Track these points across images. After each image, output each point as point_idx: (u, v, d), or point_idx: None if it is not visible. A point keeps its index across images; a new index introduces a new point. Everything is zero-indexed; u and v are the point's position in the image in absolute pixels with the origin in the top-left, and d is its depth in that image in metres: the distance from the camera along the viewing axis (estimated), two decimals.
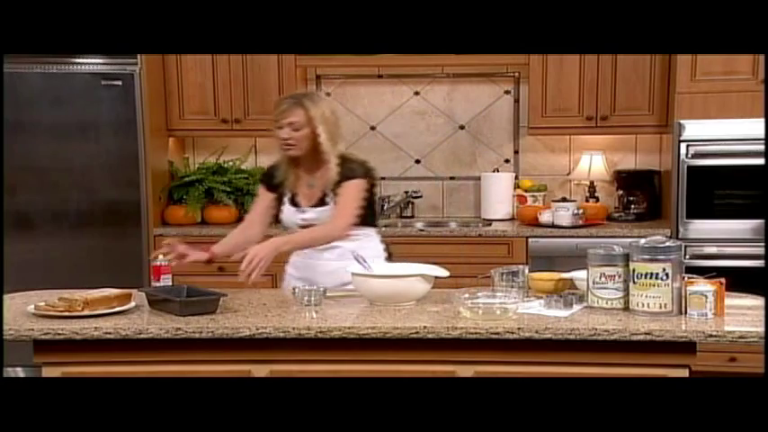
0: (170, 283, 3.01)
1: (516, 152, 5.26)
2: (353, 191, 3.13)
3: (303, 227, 3.19)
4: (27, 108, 4.72)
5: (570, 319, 2.60)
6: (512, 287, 2.87)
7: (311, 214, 3.17)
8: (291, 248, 3.12)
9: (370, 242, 3.24)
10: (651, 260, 2.61)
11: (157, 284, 2.99)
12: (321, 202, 3.16)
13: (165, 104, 5.02)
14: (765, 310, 2.55)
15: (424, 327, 2.55)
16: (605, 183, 5.14)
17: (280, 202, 3.24)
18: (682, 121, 4.52)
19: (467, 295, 2.70)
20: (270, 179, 3.28)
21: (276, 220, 3.30)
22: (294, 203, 3.21)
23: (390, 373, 2.50)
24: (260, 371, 2.62)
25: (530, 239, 4.66)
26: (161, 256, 3.04)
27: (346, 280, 3.03)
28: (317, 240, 3.12)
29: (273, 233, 3.27)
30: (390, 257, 3.23)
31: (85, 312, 2.68)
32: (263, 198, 3.30)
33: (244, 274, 2.85)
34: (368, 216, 3.20)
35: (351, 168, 3.14)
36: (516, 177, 5.19)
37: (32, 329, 2.60)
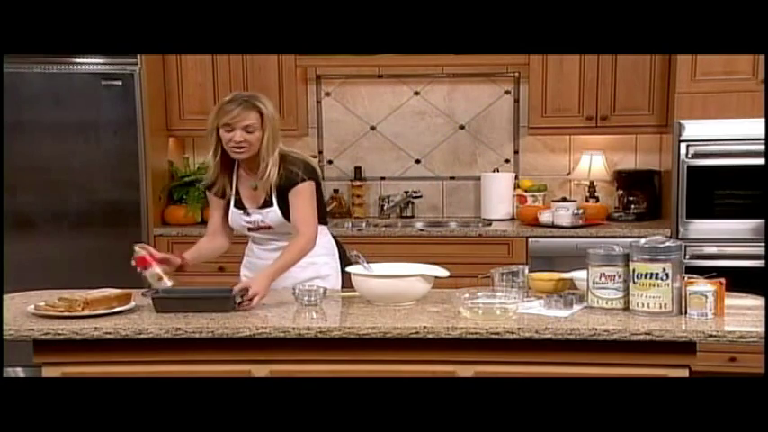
0: (157, 272, 2.96)
1: (516, 152, 5.26)
2: (305, 197, 3.10)
3: (250, 229, 3.20)
4: (27, 108, 4.72)
5: (570, 319, 2.60)
6: (512, 287, 2.87)
7: (257, 216, 3.16)
8: (280, 274, 3.04)
9: (320, 239, 3.21)
10: (651, 260, 2.61)
11: (145, 272, 2.96)
12: (266, 204, 3.14)
13: (165, 104, 5.02)
14: (765, 310, 2.55)
15: (424, 327, 2.55)
16: (605, 183, 5.14)
17: (226, 205, 3.22)
18: (682, 121, 4.52)
19: (467, 295, 2.70)
20: (212, 186, 3.23)
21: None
22: (239, 206, 3.19)
23: (390, 373, 2.50)
24: (260, 371, 2.62)
25: (530, 239, 4.66)
26: (136, 247, 2.99)
27: (300, 278, 3.07)
28: (295, 259, 3.06)
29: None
30: (345, 253, 3.18)
31: (85, 312, 2.68)
32: (216, 205, 3.25)
33: (249, 307, 2.81)
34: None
35: (294, 172, 3.09)
36: (516, 177, 5.19)
37: (32, 329, 2.60)
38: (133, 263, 2.98)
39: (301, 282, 3.04)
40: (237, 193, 3.19)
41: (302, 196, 3.09)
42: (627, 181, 5.04)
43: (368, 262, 2.97)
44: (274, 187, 3.10)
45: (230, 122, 3.02)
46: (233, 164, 3.15)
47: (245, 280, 2.85)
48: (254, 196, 3.17)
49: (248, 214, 3.18)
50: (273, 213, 3.13)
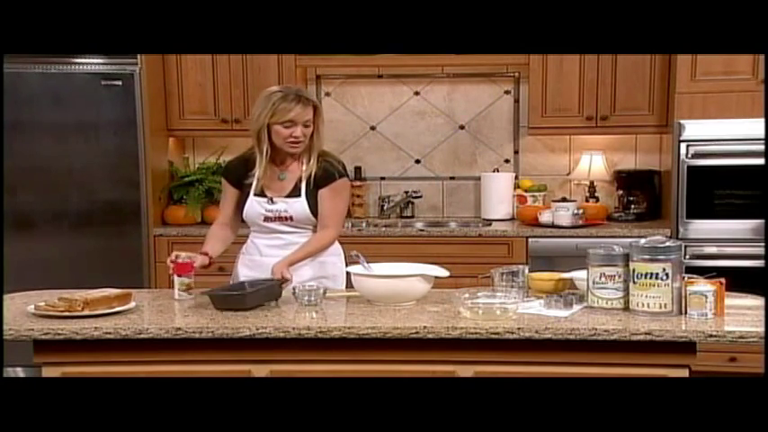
0: (190, 280, 2.98)
1: (516, 152, 5.26)
2: (340, 193, 3.18)
3: (267, 219, 3.18)
4: (27, 108, 4.72)
5: (570, 319, 2.60)
6: (512, 287, 2.87)
7: (281, 205, 3.16)
8: (299, 262, 3.13)
9: None
10: (651, 260, 2.61)
11: (179, 279, 2.96)
12: (293, 193, 3.16)
13: (165, 104, 5.02)
14: (765, 310, 2.55)
15: (424, 327, 2.55)
16: (605, 183, 5.14)
17: (244, 196, 3.21)
18: (682, 121, 4.52)
19: (467, 295, 2.70)
20: (238, 175, 3.23)
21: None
22: (260, 195, 3.18)
23: (390, 373, 2.50)
24: (260, 371, 2.62)
25: (530, 239, 4.66)
26: (183, 254, 3.00)
27: (307, 277, 3.13)
28: (317, 251, 3.18)
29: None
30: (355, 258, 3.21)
31: (85, 312, 2.68)
32: (232, 194, 3.26)
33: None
34: None
35: (333, 166, 3.18)
36: (516, 177, 5.19)
37: (32, 329, 2.59)
38: (172, 266, 2.98)
39: (309, 280, 3.08)
40: (259, 182, 3.18)
41: (337, 192, 3.16)
42: (627, 181, 5.04)
43: (368, 262, 2.98)
44: (310, 179, 3.13)
45: (294, 119, 3.07)
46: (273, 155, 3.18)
47: (276, 268, 3.03)
48: (280, 186, 3.18)
49: (272, 202, 3.17)
50: (300, 204, 3.15)
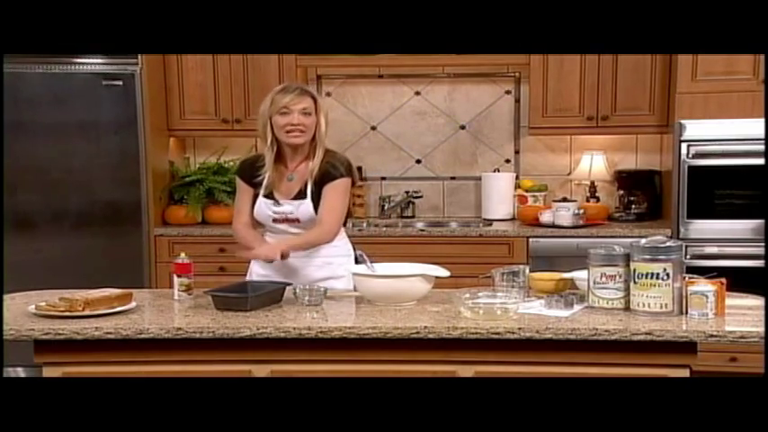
0: (190, 281, 2.98)
1: (517, 152, 5.26)
2: (340, 192, 3.15)
3: (275, 220, 3.19)
4: (27, 108, 4.72)
5: (571, 319, 2.60)
6: (512, 287, 2.86)
7: (287, 207, 3.17)
8: (293, 250, 3.13)
9: (339, 241, 3.26)
10: (652, 260, 2.61)
11: (179, 279, 2.96)
12: (299, 195, 3.16)
13: (166, 104, 5.02)
14: (765, 310, 2.55)
15: (425, 327, 2.55)
16: (606, 183, 5.14)
17: (256, 196, 3.22)
18: (682, 121, 4.52)
19: (467, 295, 2.70)
20: (251, 174, 3.23)
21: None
22: (270, 197, 3.19)
23: (390, 373, 2.50)
24: (260, 371, 2.62)
25: (530, 239, 4.66)
26: (182, 254, 3.01)
27: (315, 277, 3.13)
28: (309, 244, 3.16)
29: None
30: (359, 257, 3.20)
31: (86, 312, 2.68)
32: (248, 193, 3.25)
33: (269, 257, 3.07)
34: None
35: (335, 166, 3.15)
36: (517, 177, 5.19)
37: (33, 329, 2.60)
38: (173, 266, 3.00)
39: (315, 281, 3.08)
40: (270, 184, 3.19)
41: (336, 191, 3.14)
42: (627, 181, 5.04)
43: (370, 262, 2.98)
44: (313, 179, 3.14)
45: (288, 105, 3.08)
46: (280, 155, 3.19)
47: (266, 248, 3.09)
48: (288, 188, 3.19)
49: (279, 204, 3.17)
50: (305, 206, 3.15)
